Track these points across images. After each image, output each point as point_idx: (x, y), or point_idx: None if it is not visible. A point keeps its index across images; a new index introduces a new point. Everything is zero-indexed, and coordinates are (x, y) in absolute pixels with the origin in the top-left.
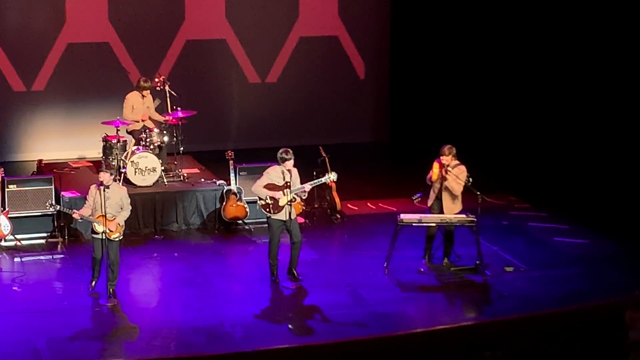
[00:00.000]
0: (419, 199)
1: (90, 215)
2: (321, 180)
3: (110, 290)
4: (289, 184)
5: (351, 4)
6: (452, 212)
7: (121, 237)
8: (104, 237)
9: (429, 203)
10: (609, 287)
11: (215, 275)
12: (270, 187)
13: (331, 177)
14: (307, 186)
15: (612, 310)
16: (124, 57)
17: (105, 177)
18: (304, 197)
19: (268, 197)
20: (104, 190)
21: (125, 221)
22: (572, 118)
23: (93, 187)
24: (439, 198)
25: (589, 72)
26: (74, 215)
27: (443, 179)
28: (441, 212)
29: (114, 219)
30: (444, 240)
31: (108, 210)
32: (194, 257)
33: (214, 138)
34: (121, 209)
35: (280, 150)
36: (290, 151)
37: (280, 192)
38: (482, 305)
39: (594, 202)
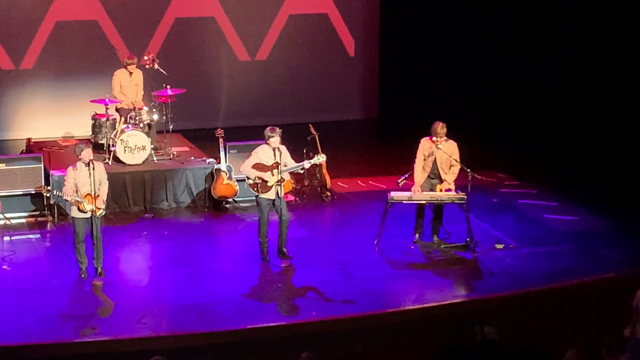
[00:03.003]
0: (404, 180)
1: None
2: (313, 161)
3: (99, 268)
4: (277, 164)
5: None
6: (452, 180)
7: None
8: (90, 216)
9: (419, 181)
10: (598, 264)
11: (205, 254)
12: (258, 166)
13: (321, 158)
14: (306, 164)
15: (602, 287)
16: (112, 35)
17: (90, 153)
18: (301, 172)
19: (256, 177)
20: (93, 169)
21: (114, 199)
22: (561, 94)
23: (70, 169)
24: (430, 177)
25: (580, 48)
26: (65, 198)
27: (431, 155)
28: (432, 190)
29: (98, 195)
30: (433, 218)
31: (93, 187)
32: (184, 235)
33: (204, 116)
34: (100, 184)
35: (267, 129)
36: (277, 129)
37: (269, 173)
38: (472, 282)
39: (584, 179)
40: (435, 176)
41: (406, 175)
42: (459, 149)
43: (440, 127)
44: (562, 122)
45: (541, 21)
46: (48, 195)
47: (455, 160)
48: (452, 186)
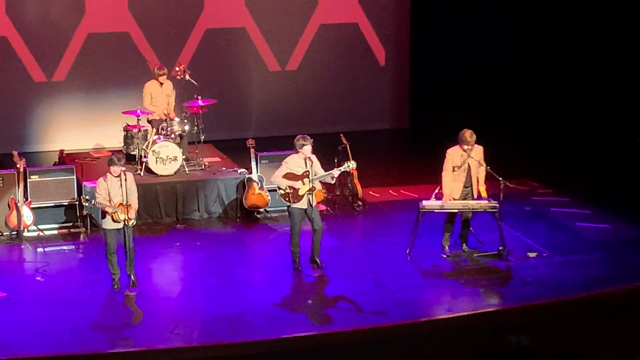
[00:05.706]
0: (434, 197)
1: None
2: (343, 168)
3: (131, 279)
4: (308, 173)
5: None
6: (483, 184)
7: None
8: (122, 226)
9: (454, 194)
10: (631, 272)
11: (237, 264)
12: (289, 176)
13: (351, 165)
14: (335, 172)
15: (635, 295)
16: (144, 46)
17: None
18: (332, 182)
19: (287, 187)
20: (125, 180)
21: (146, 210)
22: (594, 102)
23: (101, 180)
24: (465, 186)
25: (612, 51)
26: (106, 209)
27: (463, 165)
28: (465, 199)
29: (130, 205)
30: (462, 226)
31: (125, 197)
32: (216, 245)
33: (235, 126)
34: (131, 193)
35: (297, 137)
36: (308, 137)
37: (300, 182)
38: (505, 291)
39: (616, 187)
40: (469, 184)
41: (435, 192)
42: (486, 156)
43: (469, 135)
44: (594, 130)
45: (575, 31)
46: (86, 204)
47: (482, 164)
48: (485, 194)
